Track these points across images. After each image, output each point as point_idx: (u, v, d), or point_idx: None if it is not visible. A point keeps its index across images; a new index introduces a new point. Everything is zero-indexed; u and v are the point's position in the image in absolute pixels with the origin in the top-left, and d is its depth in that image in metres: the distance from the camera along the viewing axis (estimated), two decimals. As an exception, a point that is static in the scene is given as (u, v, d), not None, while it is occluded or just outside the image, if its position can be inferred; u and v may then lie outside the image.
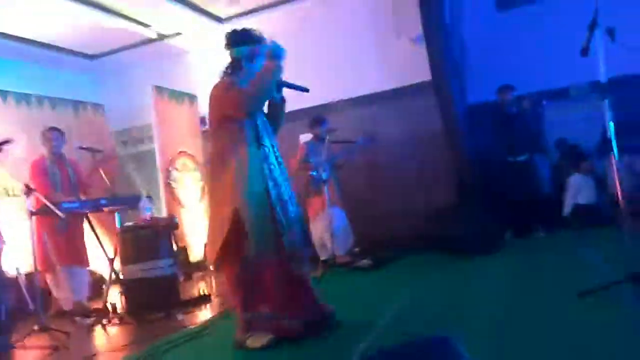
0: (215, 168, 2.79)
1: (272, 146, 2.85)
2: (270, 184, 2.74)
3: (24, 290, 4.42)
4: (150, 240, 3.97)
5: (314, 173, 5.15)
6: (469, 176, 5.53)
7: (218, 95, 2.73)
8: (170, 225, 4.26)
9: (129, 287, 4.00)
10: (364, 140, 5.47)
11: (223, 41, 2.83)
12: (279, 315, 2.74)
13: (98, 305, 4.54)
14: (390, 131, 5.97)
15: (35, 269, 3.94)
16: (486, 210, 5.20)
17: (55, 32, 5.73)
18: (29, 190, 3.64)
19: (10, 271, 4.45)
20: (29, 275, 4.61)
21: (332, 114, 5.72)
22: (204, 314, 3.97)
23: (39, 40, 5.89)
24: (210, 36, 6.50)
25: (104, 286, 5.47)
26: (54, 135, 4.59)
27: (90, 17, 5.42)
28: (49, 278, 4.51)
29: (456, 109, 5.61)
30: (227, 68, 2.82)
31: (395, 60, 6.04)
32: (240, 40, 2.78)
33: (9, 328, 3.58)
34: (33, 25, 5.46)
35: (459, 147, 5.59)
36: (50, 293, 4.59)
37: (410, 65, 5.90)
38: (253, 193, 2.66)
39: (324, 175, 5.06)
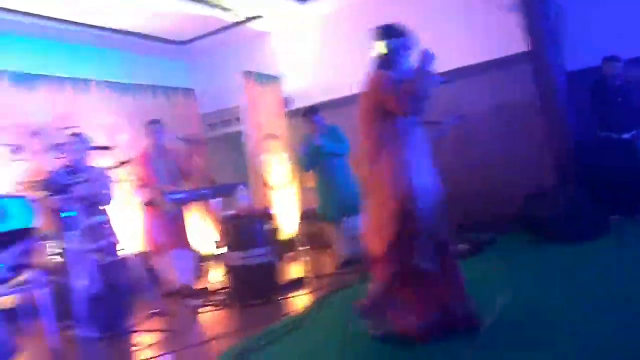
0: (368, 159, 2.83)
1: (420, 138, 2.85)
2: (416, 176, 2.73)
3: (136, 272, 4.75)
4: (250, 230, 4.14)
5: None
6: (569, 154, 5.20)
7: (377, 89, 2.78)
8: (266, 215, 4.41)
9: (231, 273, 4.22)
10: (453, 119, 5.27)
11: (374, 36, 2.90)
12: (403, 312, 2.77)
13: (202, 286, 4.86)
14: (480, 108, 5.70)
15: (147, 252, 4.30)
16: (589, 190, 4.88)
17: (146, 21, 5.93)
18: (140, 184, 3.90)
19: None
20: (139, 256, 4.99)
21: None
22: (301, 299, 4.12)
23: (131, 30, 6.14)
24: (292, 17, 6.48)
25: (204, 265, 5.86)
26: (156, 128, 4.86)
27: (176, 5, 5.56)
28: (158, 261, 4.86)
29: (555, 79, 5.25)
30: (379, 61, 2.86)
31: (484, 31, 5.70)
32: (390, 34, 2.85)
33: (127, 312, 3.90)
34: (124, 16, 5.68)
35: (558, 121, 5.25)
36: (158, 275, 4.94)
37: (500, 36, 5.56)
38: (405, 187, 2.70)
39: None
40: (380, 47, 2.84)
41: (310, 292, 4.26)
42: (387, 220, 2.70)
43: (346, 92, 6.28)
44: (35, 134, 4.90)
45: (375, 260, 2.84)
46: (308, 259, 5.54)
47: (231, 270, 4.21)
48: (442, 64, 5.63)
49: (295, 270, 5.32)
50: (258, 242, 4.14)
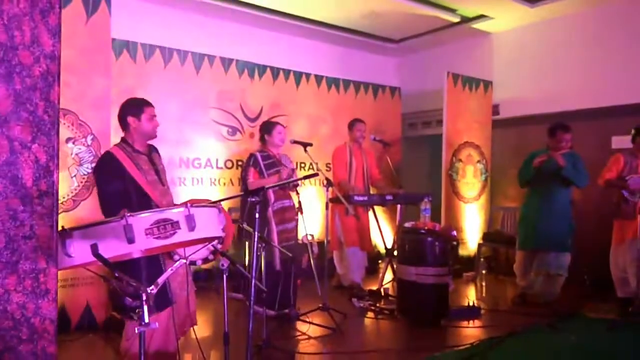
0: None
1: None
2: None
3: (312, 258, 4.96)
4: (427, 247, 3.96)
5: (627, 194, 4.29)
6: None
7: None
8: (447, 234, 4.18)
9: (401, 286, 4.13)
10: None
11: None
12: None
13: (373, 287, 4.88)
14: None
15: (327, 244, 4.50)
16: None
17: (362, 18, 6.03)
18: (328, 183, 4.03)
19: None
20: (319, 245, 5.22)
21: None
22: (471, 331, 3.84)
23: (347, 26, 6.34)
24: (517, 19, 5.93)
25: (379, 264, 5.88)
26: (360, 127, 4.98)
27: (398, 5, 5.53)
28: (335, 254, 5.05)
29: None
30: None
31: None
32: None
33: (297, 295, 4.13)
34: (341, 12, 5.86)
35: None
36: (333, 267, 5.13)
37: None
38: None
39: (640, 200, 4.15)
40: None
41: (482, 327, 3.94)
42: None
43: (568, 106, 5.57)
44: (252, 119, 5.47)
45: None
46: (484, 284, 5.17)
47: (401, 283, 4.12)
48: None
49: (469, 294, 4.99)
50: (433, 261, 3.94)
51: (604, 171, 4.44)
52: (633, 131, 4.43)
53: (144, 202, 2.62)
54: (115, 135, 3.50)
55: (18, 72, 0.75)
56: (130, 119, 2.78)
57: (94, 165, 3.73)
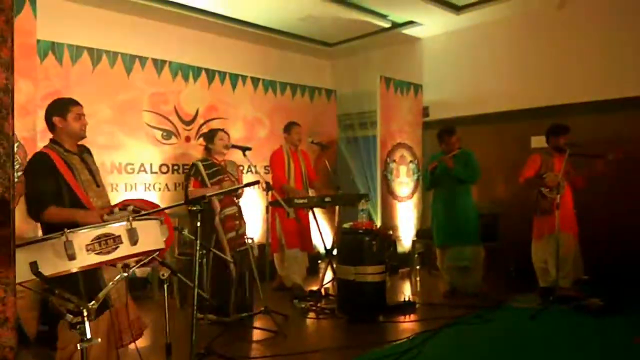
0: None
1: None
2: None
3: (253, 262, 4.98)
4: (364, 246, 4.10)
5: (544, 191, 4.64)
6: None
7: None
8: (384, 233, 4.35)
9: (341, 285, 4.25)
10: (614, 157, 4.65)
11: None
12: None
13: (314, 287, 4.97)
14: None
15: (267, 247, 4.53)
16: None
17: (298, 22, 6.12)
18: (268, 187, 4.07)
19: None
20: (260, 248, 5.24)
21: (569, 119, 4.95)
22: (407, 325, 4.02)
23: (283, 29, 6.39)
24: (444, 25, 6.24)
25: (320, 264, 5.98)
26: (297, 130, 5.06)
27: (330, 9, 5.66)
28: (275, 257, 5.09)
29: None
30: None
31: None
32: None
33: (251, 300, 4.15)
34: (277, 15, 5.92)
35: None
36: (275, 269, 5.17)
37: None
38: None
39: (558, 197, 4.50)
40: None
41: (417, 321, 4.14)
42: None
43: (491, 108, 5.94)
44: (187, 122, 5.38)
45: None
46: (419, 279, 5.41)
47: (341, 283, 4.24)
48: (603, 91, 5.20)
49: (404, 290, 5.20)
50: (371, 260, 4.10)
51: (524, 170, 4.78)
52: (546, 131, 4.80)
53: (75, 204, 2.56)
54: (42, 142, 3.35)
55: (-30, 106, 0.74)
56: (56, 119, 2.68)
57: (19, 174, 3.54)
